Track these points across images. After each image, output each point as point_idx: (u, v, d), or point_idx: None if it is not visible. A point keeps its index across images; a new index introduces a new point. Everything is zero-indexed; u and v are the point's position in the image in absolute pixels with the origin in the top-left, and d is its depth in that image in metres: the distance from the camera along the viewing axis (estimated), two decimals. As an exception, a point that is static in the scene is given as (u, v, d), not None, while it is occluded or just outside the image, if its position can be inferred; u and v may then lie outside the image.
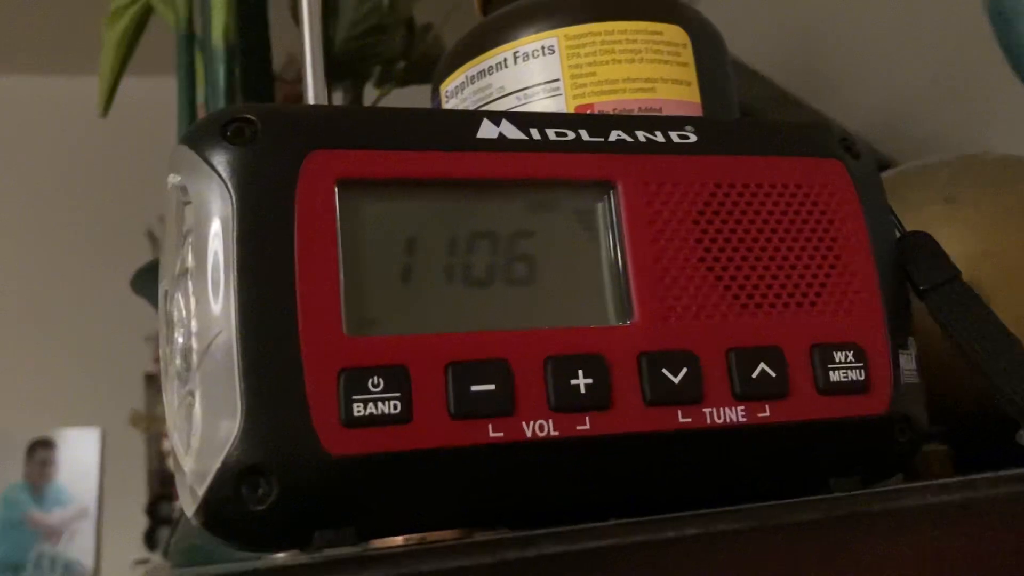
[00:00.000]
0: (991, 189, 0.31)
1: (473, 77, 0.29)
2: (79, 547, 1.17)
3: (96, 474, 1.20)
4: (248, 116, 0.19)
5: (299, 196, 0.19)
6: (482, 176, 0.20)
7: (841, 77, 1.02)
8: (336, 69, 0.42)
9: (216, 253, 0.18)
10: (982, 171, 0.32)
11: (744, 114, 0.98)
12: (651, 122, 0.22)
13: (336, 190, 0.19)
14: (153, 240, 1.09)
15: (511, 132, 0.21)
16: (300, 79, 0.45)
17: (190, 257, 0.19)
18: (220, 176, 0.18)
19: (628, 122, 0.22)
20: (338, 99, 0.46)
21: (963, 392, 0.26)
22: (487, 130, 0.21)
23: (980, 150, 0.79)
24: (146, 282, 0.43)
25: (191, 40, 0.44)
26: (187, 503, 0.18)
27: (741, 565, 0.17)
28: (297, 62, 0.57)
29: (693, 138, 0.22)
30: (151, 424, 1.05)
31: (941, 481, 0.20)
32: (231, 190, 0.18)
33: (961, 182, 0.31)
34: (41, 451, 1.21)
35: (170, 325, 0.19)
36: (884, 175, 0.34)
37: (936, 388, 0.24)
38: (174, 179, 0.19)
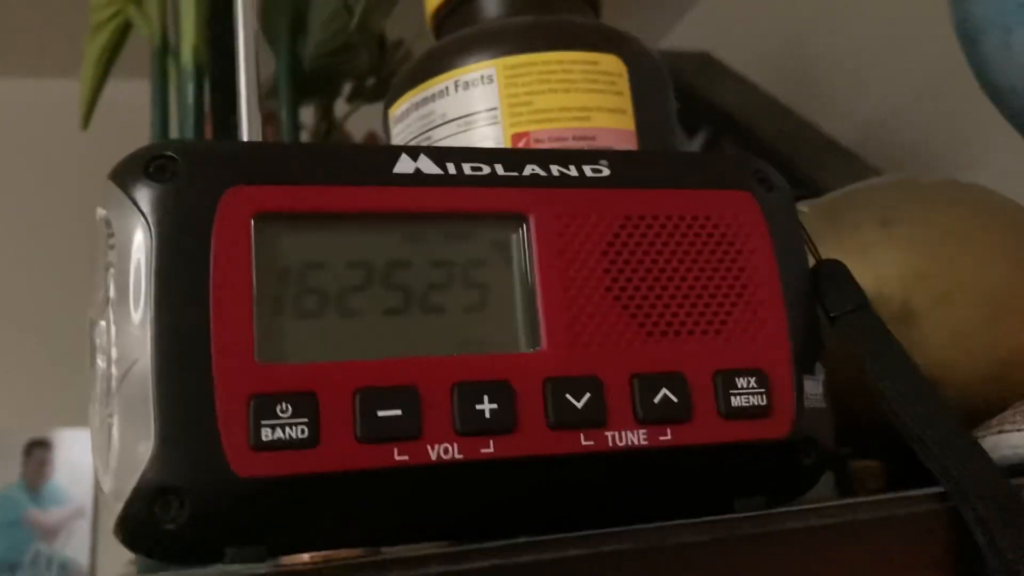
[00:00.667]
0: (925, 213, 0.32)
1: (418, 103, 0.30)
2: (75, 546, 1.19)
3: (93, 474, 1.21)
4: (170, 154, 0.20)
5: (216, 230, 0.20)
6: (397, 209, 0.21)
7: (831, 86, 1.03)
8: (306, 86, 0.43)
9: (135, 285, 0.19)
10: (917, 195, 0.32)
11: (733, 122, 0.97)
12: (565, 156, 0.23)
13: (252, 224, 0.20)
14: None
15: (428, 167, 0.22)
16: (271, 95, 0.46)
17: (112, 288, 0.20)
18: (141, 212, 0.20)
19: (543, 156, 0.22)
20: (309, 115, 0.47)
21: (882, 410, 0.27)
22: (404, 165, 0.22)
23: (966, 160, 0.80)
24: None
25: (165, 55, 0.45)
26: (109, 519, 0.20)
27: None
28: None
29: (606, 172, 0.23)
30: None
31: (826, 504, 0.20)
32: (151, 225, 0.19)
33: (897, 206, 0.32)
34: (38, 451, 1.22)
35: (93, 351, 0.20)
36: (825, 197, 0.35)
37: (868, 407, 0.25)
38: (100, 212, 0.20)
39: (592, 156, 0.23)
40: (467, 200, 0.22)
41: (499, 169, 0.22)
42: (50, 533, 1.19)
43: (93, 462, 0.20)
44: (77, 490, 1.21)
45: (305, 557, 0.19)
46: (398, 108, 0.31)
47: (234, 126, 0.45)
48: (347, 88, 0.46)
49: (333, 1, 0.42)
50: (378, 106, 0.48)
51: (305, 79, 0.43)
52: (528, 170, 0.22)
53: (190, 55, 0.41)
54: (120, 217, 0.20)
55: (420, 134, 0.30)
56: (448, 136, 0.29)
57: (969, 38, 0.46)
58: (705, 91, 0.91)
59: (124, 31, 0.51)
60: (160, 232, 0.19)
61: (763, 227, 0.23)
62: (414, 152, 0.22)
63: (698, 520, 0.20)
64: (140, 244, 0.19)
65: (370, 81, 0.46)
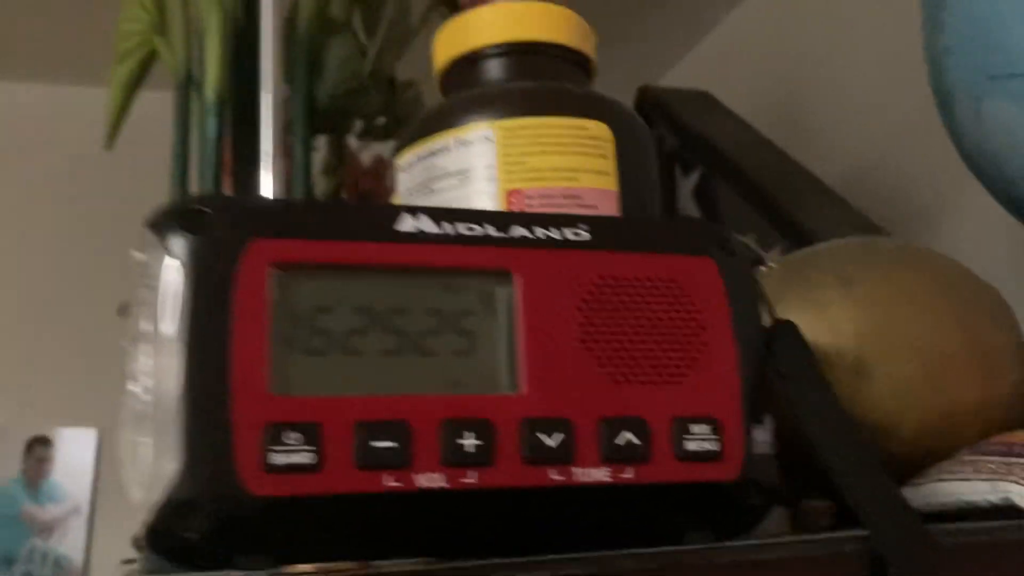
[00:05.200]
0: (883, 275, 0.35)
1: (422, 156, 0.33)
2: (70, 543, 1.21)
3: (91, 473, 1.24)
4: (202, 208, 0.23)
5: (239, 278, 0.22)
6: (398, 263, 0.24)
7: (820, 129, 1.06)
8: (320, 123, 0.46)
9: (168, 322, 0.22)
10: (878, 256, 0.35)
11: (727, 161, 1.00)
12: (549, 220, 0.26)
13: (270, 273, 0.23)
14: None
15: (427, 225, 0.25)
16: (288, 131, 0.49)
17: (147, 324, 0.22)
18: (175, 258, 0.22)
19: (529, 219, 0.25)
20: (322, 146, 0.50)
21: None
22: (406, 223, 0.24)
23: (946, 204, 0.83)
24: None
25: (187, 87, 0.48)
26: (139, 526, 0.22)
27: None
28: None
29: (585, 236, 0.26)
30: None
31: (764, 540, 0.23)
32: (184, 270, 0.22)
33: (857, 267, 0.35)
34: (39, 448, 1.25)
35: (128, 376, 0.23)
36: (793, 255, 0.38)
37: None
38: (139, 256, 0.23)
39: (572, 220, 0.26)
40: (459, 257, 0.25)
41: (490, 230, 0.25)
42: (46, 529, 1.22)
43: (123, 474, 0.23)
44: (75, 488, 1.24)
45: (308, 568, 0.22)
46: (404, 158, 0.34)
47: (252, 158, 0.48)
48: (358, 126, 0.49)
49: (349, 45, 0.45)
50: (388, 144, 0.51)
51: (319, 116, 0.46)
52: (515, 231, 0.25)
53: (213, 90, 0.44)
54: (156, 261, 0.23)
55: (423, 185, 0.33)
56: (448, 188, 0.32)
57: (943, 103, 0.50)
58: (702, 129, 0.94)
59: (149, 59, 0.54)
60: (191, 277, 0.22)
61: (721, 290, 0.26)
62: (414, 211, 0.25)
63: (651, 550, 0.23)
64: (173, 286, 0.22)
65: (380, 120, 0.49)
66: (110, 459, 1.22)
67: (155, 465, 0.21)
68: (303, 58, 0.46)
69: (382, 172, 0.81)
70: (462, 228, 0.25)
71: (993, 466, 0.29)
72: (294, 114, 0.46)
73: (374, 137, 0.50)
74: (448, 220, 0.25)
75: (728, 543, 0.24)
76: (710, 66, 1.30)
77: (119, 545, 1.31)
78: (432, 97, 0.55)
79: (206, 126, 0.44)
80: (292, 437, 0.22)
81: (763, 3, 1.22)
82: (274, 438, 0.22)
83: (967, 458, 0.30)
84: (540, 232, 0.25)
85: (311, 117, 0.46)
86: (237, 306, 0.22)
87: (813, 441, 0.25)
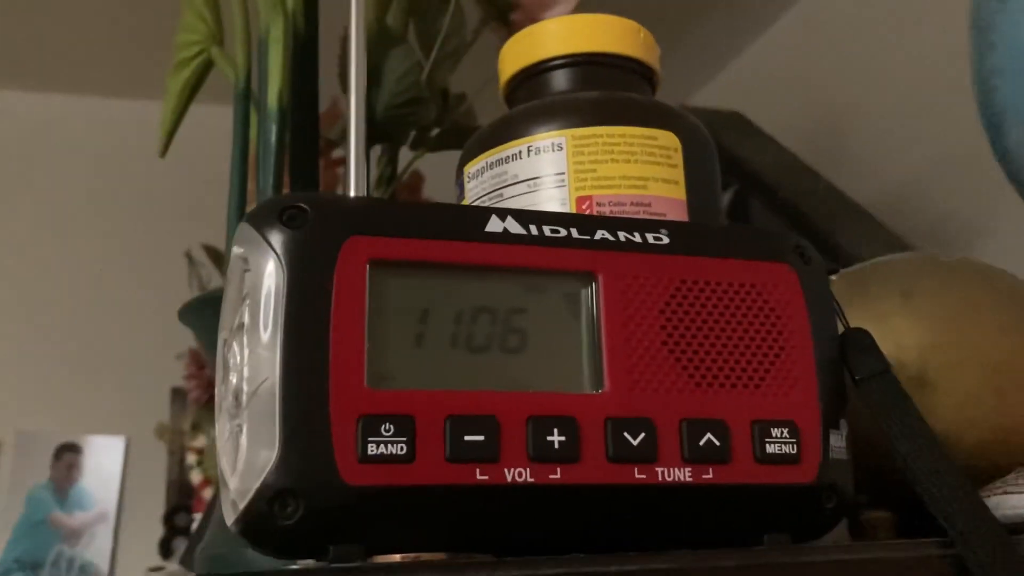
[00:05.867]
0: (943, 288, 0.35)
1: (492, 163, 0.34)
2: (96, 550, 1.22)
3: (118, 481, 1.24)
4: (302, 205, 0.23)
5: (337, 273, 0.23)
6: (487, 263, 0.25)
7: (854, 151, 1.06)
8: (376, 134, 0.47)
9: (268, 314, 0.23)
10: (937, 271, 0.36)
11: (760, 181, 1.00)
12: (631, 224, 0.26)
13: (367, 269, 0.23)
14: (191, 261, 1.14)
15: (513, 227, 0.25)
16: (342, 139, 0.49)
17: (247, 315, 0.23)
18: (276, 253, 0.23)
19: (612, 223, 0.26)
20: (375, 157, 0.51)
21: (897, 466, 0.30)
22: (494, 224, 0.25)
23: (981, 227, 0.83)
24: (191, 314, 0.47)
25: (247, 97, 0.49)
26: (228, 514, 0.23)
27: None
28: (337, 114, 0.62)
29: (666, 240, 0.26)
30: (175, 437, 1.10)
31: (846, 544, 0.24)
32: (284, 265, 0.23)
33: (918, 280, 0.35)
34: (68, 455, 1.26)
35: (225, 368, 0.24)
36: (851, 268, 0.38)
37: (883, 462, 0.28)
38: (237, 250, 0.24)
39: (653, 225, 0.26)
40: (545, 258, 0.25)
41: (574, 232, 0.26)
42: (73, 535, 1.22)
43: (218, 465, 0.24)
44: (102, 495, 1.24)
45: (396, 557, 0.23)
46: (473, 166, 0.35)
47: (310, 165, 0.49)
48: (411, 137, 0.50)
49: (407, 57, 0.46)
50: (439, 154, 0.52)
51: (375, 127, 0.46)
52: (599, 234, 0.26)
53: (275, 99, 0.45)
54: (256, 255, 0.23)
55: (493, 191, 0.33)
56: (518, 195, 0.33)
57: (992, 124, 0.50)
58: (735, 149, 0.95)
59: (206, 68, 0.55)
60: (291, 271, 0.23)
61: (799, 296, 0.26)
62: (503, 214, 0.25)
63: (730, 549, 0.23)
64: (272, 280, 0.23)
65: (433, 132, 0.50)
66: (137, 467, 1.23)
67: (251, 453, 0.22)
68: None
69: (418, 185, 0.81)
70: (547, 230, 0.25)
71: (1060, 479, 0.29)
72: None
73: (428, 148, 0.51)
74: (534, 222, 0.25)
75: (814, 544, 0.24)
76: (742, 86, 1.31)
77: (143, 552, 1.32)
78: (480, 109, 0.56)
79: (267, 133, 0.45)
80: (387, 429, 0.22)
81: (794, 25, 1.23)
82: (370, 429, 0.22)
83: (1032, 471, 0.31)
84: (622, 235, 0.26)
85: (368, 127, 0.47)
86: (335, 301, 0.23)
87: (893, 448, 0.25)
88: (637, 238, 0.26)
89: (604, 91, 0.34)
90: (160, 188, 1.39)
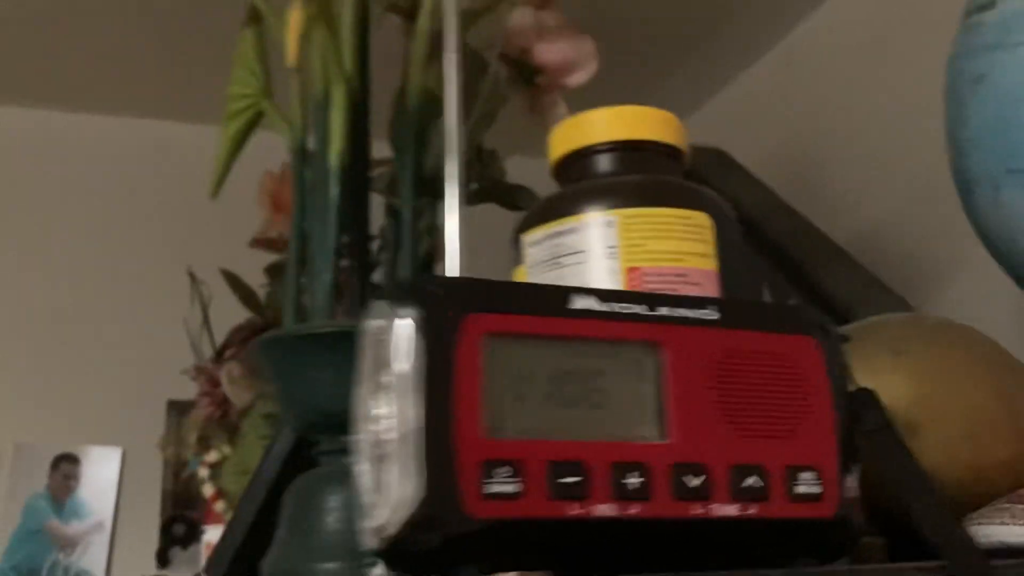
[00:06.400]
0: (927, 348, 0.41)
1: (551, 235, 0.39)
2: (91, 559, 1.25)
3: (114, 491, 1.28)
4: (431, 288, 0.29)
5: (459, 344, 0.29)
6: (573, 334, 0.30)
7: (831, 190, 1.13)
8: (424, 190, 0.52)
9: (407, 376, 0.28)
10: (922, 334, 0.42)
11: (743, 219, 1.07)
12: (688, 301, 0.32)
13: (482, 340, 0.29)
14: (193, 279, 1.18)
15: (594, 304, 0.31)
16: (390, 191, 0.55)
17: (389, 377, 0.28)
18: (411, 325, 0.28)
19: (671, 300, 0.32)
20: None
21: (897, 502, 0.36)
22: (578, 302, 0.31)
23: (952, 266, 0.91)
24: (260, 352, 0.50)
25: (304, 152, 0.54)
26: (371, 540, 0.28)
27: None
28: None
29: (715, 316, 0.32)
30: (177, 449, 1.13)
31: (860, 566, 0.29)
32: (418, 336, 0.28)
33: (907, 342, 0.41)
34: (65, 465, 1.29)
35: (365, 419, 0.29)
36: (849, 327, 0.44)
37: (879, 497, 0.34)
38: (376, 323, 0.29)
39: (704, 302, 0.32)
40: (619, 330, 0.31)
41: (643, 309, 0.31)
42: (70, 544, 1.25)
43: (361, 499, 0.29)
44: (99, 505, 1.28)
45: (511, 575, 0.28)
46: (532, 235, 0.40)
47: (362, 220, 0.54)
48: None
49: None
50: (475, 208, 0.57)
51: (424, 184, 0.52)
52: (662, 310, 0.31)
53: (336, 159, 0.50)
54: (392, 327, 0.29)
55: (551, 259, 0.39)
56: (574, 264, 0.38)
57: (964, 187, 0.56)
58: (718, 186, 1.01)
59: (256, 119, 0.60)
60: (424, 342, 0.28)
61: (821, 364, 0.32)
62: (585, 293, 0.31)
63: (767, 570, 0.29)
64: (407, 348, 0.28)
65: (472, 187, 0.55)
66: (133, 477, 1.26)
67: (398, 490, 0.27)
68: (412, 130, 0.52)
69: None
70: (620, 307, 0.31)
71: (1026, 513, 0.36)
72: (402, 180, 0.52)
73: (468, 202, 0.56)
74: (609, 300, 0.31)
75: (833, 567, 0.30)
76: (721, 123, 1.38)
77: (139, 561, 1.35)
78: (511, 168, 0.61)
79: (328, 192, 0.50)
80: (502, 471, 0.28)
81: (775, 64, 1.30)
82: (488, 472, 0.28)
83: (1003, 506, 0.37)
84: (680, 312, 0.32)
85: (417, 184, 0.52)
86: (458, 366, 0.28)
87: (896, 487, 0.31)
88: (691, 314, 0.32)
89: (646, 175, 0.40)
90: (159, 203, 1.43)
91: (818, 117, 1.20)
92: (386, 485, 0.28)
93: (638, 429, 0.30)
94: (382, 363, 0.29)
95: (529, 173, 0.60)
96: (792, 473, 0.31)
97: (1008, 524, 0.36)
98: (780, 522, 0.30)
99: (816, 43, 1.23)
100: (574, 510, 0.28)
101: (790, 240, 0.89)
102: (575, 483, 0.28)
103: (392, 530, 0.27)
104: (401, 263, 0.52)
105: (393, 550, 0.28)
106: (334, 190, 0.50)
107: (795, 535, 0.31)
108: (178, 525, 1.25)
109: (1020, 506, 0.36)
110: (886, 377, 0.40)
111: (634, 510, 0.29)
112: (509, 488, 0.28)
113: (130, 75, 1.32)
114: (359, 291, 0.53)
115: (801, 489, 0.31)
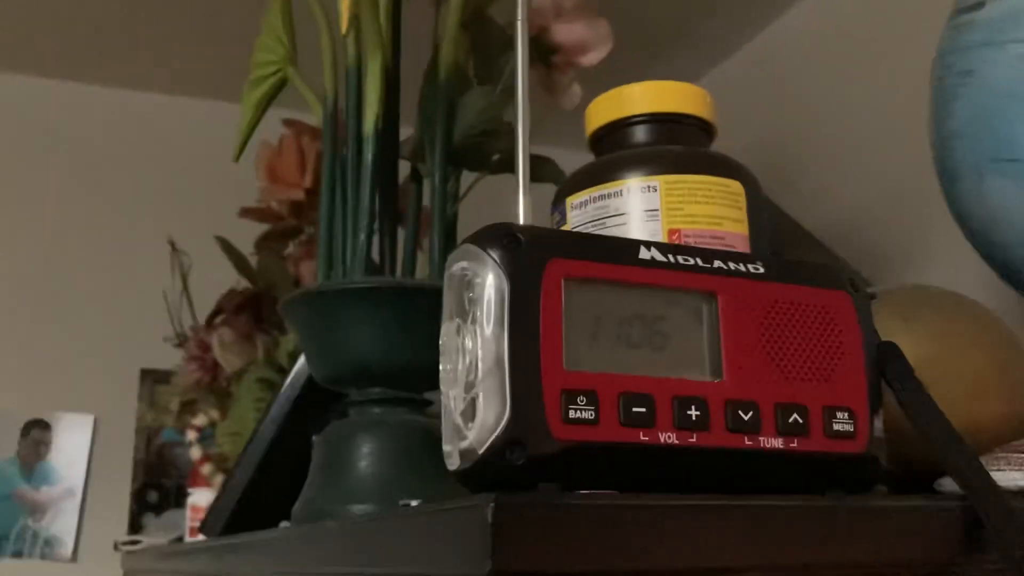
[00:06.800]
0: (934, 314, 0.45)
1: (595, 198, 0.42)
2: (61, 525, 1.25)
3: (86, 458, 1.28)
4: (517, 234, 0.32)
5: (543, 285, 0.31)
6: (639, 281, 0.33)
7: (807, 182, 1.18)
8: (454, 159, 0.55)
9: (495, 312, 0.31)
10: (931, 299, 0.46)
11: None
12: (738, 256, 0.35)
13: (563, 283, 0.32)
14: (173, 248, 1.19)
15: (658, 256, 0.34)
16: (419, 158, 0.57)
17: (478, 313, 0.31)
18: (500, 267, 0.31)
19: (725, 255, 0.35)
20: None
21: (907, 447, 0.39)
22: (644, 253, 0.34)
23: (920, 255, 0.96)
24: (291, 308, 0.53)
25: (336, 120, 0.56)
26: (456, 462, 0.31)
27: (762, 526, 0.30)
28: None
29: (762, 270, 0.35)
30: (156, 417, 1.14)
31: (885, 495, 0.33)
32: (505, 277, 0.31)
33: (916, 305, 0.45)
34: (36, 431, 1.29)
35: (455, 351, 0.32)
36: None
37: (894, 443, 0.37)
38: (462, 264, 0.32)
39: (753, 258, 0.35)
40: (680, 280, 0.34)
41: (699, 261, 0.34)
42: (39, 510, 1.25)
43: (442, 427, 0.32)
44: (70, 471, 1.28)
45: (582, 493, 0.31)
46: (577, 198, 0.43)
47: (391, 184, 0.56)
48: (492, 160, 0.58)
49: (483, 96, 0.54)
50: (497, 177, 0.60)
51: (454, 154, 0.54)
52: (716, 263, 0.34)
53: (372, 125, 0.52)
54: (481, 270, 0.31)
55: (595, 220, 0.42)
56: (616, 225, 0.41)
57: (948, 177, 0.60)
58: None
59: (280, 85, 0.62)
60: (511, 281, 0.31)
61: (853, 315, 0.36)
62: (649, 245, 0.34)
63: (805, 496, 0.32)
64: (497, 288, 0.31)
65: (495, 158, 0.58)
66: (104, 444, 1.27)
67: (486, 414, 0.30)
68: (442, 101, 0.55)
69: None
70: (680, 259, 0.34)
71: (1021, 459, 0.39)
72: (433, 149, 0.54)
73: (490, 171, 0.59)
74: (671, 253, 0.34)
75: (863, 496, 0.34)
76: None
77: (110, 528, 1.35)
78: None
79: (364, 156, 0.52)
80: (580, 399, 0.31)
81: (754, 55, 1.34)
82: (569, 400, 0.30)
83: (1000, 455, 0.41)
84: (733, 265, 0.35)
85: (447, 153, 0.55)
86: (542, 305, 0.31)
87: (920, 430, 0.35)
88: (743, 268, 0.35)
89: (684, 145, 0.43)
90: (135, 173, 1.43)
91: (792, 111, 1.25)
92: (476, 410, 0.30)
93: (696, 368, 0.33)
94: (472, 301, 0.31)
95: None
96: (829, 412, 0.34)
97: (1005, 470, 0.40)
98: (818, 455, 0.34)
99: (791, 39, 1.28)
100: (642, 436, 0.31)
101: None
102: (643, 413, 0.31)
103: (481, 450, 0.30)
104: (432, 226, 0.54)
105: (478, 470, 0.30)
106: (368, 157, 0.52)
107: (830, 468, 0.34)
108: (151, 492, 1.25)
109: (1016, 454, 0.40)
110: (897, 339, 0.44)
111: (693, 439, 0.32)
112: (586, 415, 0.30)
113: (110, 45, 1.31)
114: (389, 250, 0.55)
115: (837, 427, 0.34)
